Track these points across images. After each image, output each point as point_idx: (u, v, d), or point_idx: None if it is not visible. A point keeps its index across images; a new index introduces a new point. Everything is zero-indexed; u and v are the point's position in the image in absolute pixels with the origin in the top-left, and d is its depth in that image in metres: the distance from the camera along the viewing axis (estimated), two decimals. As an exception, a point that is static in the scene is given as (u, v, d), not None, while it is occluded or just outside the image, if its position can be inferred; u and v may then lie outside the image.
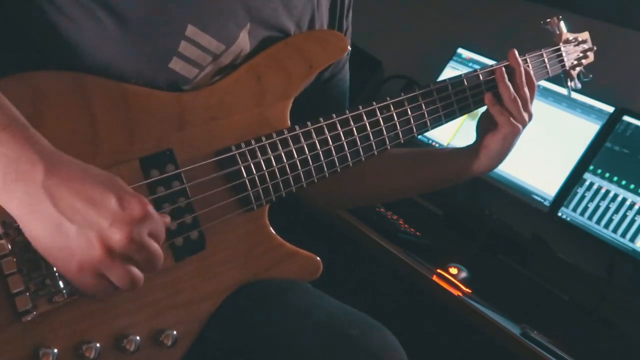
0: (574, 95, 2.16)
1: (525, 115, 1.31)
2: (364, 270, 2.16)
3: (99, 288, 0.81)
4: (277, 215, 1.15)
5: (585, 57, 1.55)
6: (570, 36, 1.52)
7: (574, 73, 1.55)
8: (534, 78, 1.34)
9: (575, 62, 1.53)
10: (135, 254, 0.81)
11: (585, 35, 1.56)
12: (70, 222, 0.77)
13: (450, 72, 2.54)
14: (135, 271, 0.82)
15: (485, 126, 1.34)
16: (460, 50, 2.58)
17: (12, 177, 0.76)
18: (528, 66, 1.38)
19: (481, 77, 1.32)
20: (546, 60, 1.43)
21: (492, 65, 1.34)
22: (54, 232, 0.78)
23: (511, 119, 1.29)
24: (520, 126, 1.31)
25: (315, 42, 1.16)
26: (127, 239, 0.79)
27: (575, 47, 1.52)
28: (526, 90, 1.31)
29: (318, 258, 1.16)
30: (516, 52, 1.34)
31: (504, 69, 1.32)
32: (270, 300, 1.10)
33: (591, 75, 1.58)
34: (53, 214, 0.77)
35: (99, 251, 0.78)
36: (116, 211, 0.78)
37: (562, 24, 1.50)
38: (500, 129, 1.30)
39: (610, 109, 2.14)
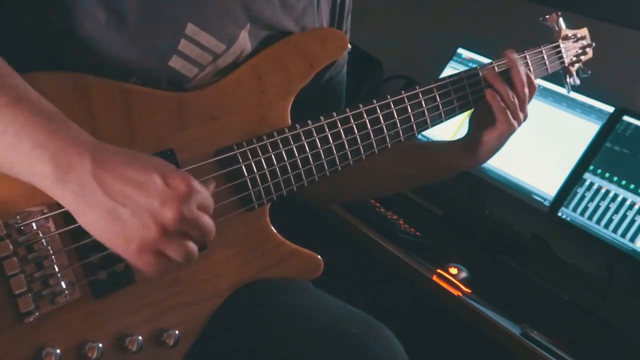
0: (574, 95, 2.16)
1: (521, 115, 1.32)
2: (364, 270, 2.17)
3: (160, 266, 0.83)
4: (278, 214, 1.15)
5: (584, 53, 1.55)
6: (569, 32, 1.51)
7: (573, 69, 1.54)
8: (534, 80, 1.34)
9: (575, 59, 1.53)
10: (189, 228, 0.83)
11: (584, 31, 1.56)
12: (123, 207, 0.80)
13: (450, 72, 2.54)
14: (191, 245, 0.85)
15: (480, 122, 1.34)
16: (460, 50, 2.58)
17: (64, 170, 0.79)
18: (527, 64, 1.38)
19: (481, 75, 1.32)
20: (545, 57, 1.43)
21: (491, 63, 1.34)
22: (109, 219, 0.80)
23: (510, 117, 1.29)
24: (516, 125, 1.31)
25: (315, 40, 1.16)
26: (179, 215, 0.81)
27: (574, 44, 1.52)
28: (526, 90, 1.31)
29: (319, 257, 1.16)
30: (512, 52, 1.33)
31: (496, 68, 1.32)
32: (271, 299, 1.10)
33: (590, 72, 1.58)
34: (106, 201, 0.80)
35: (155, 231, 0.81)
36: (164, 190, 0.81)
37: (560, 20, 1.50)
38: (497, 126, 1.30)
39: (610, 109, 2.15)
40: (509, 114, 1.29)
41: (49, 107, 0.82)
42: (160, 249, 0.82)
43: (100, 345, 0.92)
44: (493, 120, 1.30)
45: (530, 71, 1.36)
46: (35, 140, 0.79)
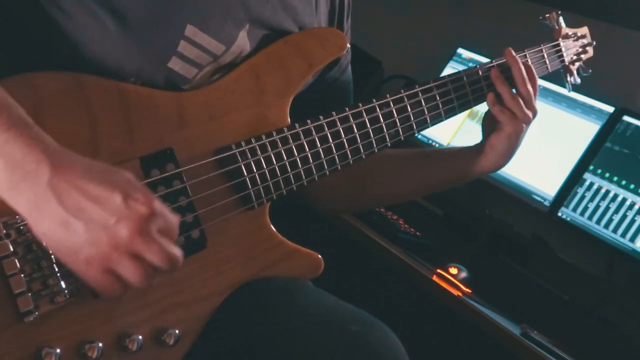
0: (574, 95, 2.16)
1: (529, 113, 1.30)
2: (364, 270, 2.17)
3: (109, 284, 0.82)
4: (278, 213, 1.15)
5: (585, 52, 1.54)
6: (570, 31, 1.51)
7: (574, 68, 1.54)
8: (535, 75, 1.34)
9: (575, 57, 1.53)
10: (145, 249, 0.81)
11: (584, 30, 1.55)
12: (76, 220, 0.78)
13: (450, 72, 2.53)
14: (146, 268, 0.82)
15: (489, 126, 1.34)
16: (460, 50, 2.58)
17: (19, 177, 0.77)
18: (528, 62, 1.37)
19: (480, 73, 1.32)
20: (545, 55, 1.43)
21: (491, 61, 1.34)
22: (61, 230, 0.78)
23: (512, 117, 1.29)
24: (523, 124, 1.30)
25: (314, 40, 1.16)
26: (133, 235, 0.79)
27: (574, 42, 1.52)
28: (529, 87, 1.30)
29: (319, 256, 1.16)
30: (512, 51, 1.33)
31: (498, 68, 1.32)
32: (271, 298, 1.10)
33: (590, 70, 1.57)
34: (60, 212, 0.78)
35: (105, 247, 0.79)
36: (121, 208, 0.79)
37: (561, 19, 1.50)
38: (503, 128, 1.30)
39: (610, 109, 2.15)
40: (511, 114, 1.28)
41: (9, 114, 0.80)
42: (111, 268, 0.80)
43: (100, 344, 0.92)
44: (499, 123, 1.30)
45: (523, 67, 1.35)
46: None
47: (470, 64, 2.48)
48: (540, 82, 1.44)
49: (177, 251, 0.84)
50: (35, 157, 0.78)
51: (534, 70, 1.33)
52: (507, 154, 1.34)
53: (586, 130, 2.17)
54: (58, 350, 0.89)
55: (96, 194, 0.78)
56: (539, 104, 1.96)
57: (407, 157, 1.37)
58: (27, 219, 0.80)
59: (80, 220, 0.78)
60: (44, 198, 0.77)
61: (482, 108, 1.36)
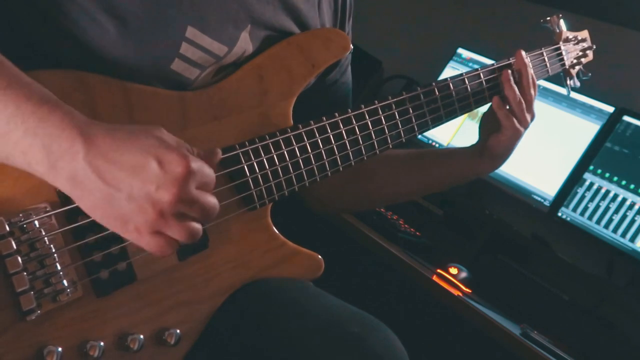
0: (574, 95, 2.17)
1: (528, 117, 1.32)
2: (364, 270, 2.17)
3: (161, 246, 0.83)
4: (280, 214, 1.15)
5: (585, 55, 1.55)
6: (570, 35, 1.52)
7: (574, 72, 1.55)
8: (535, 79, 1.34)
9: (575, 61, 1.53)
10: (188, 209, 0.82)
11: (584, 33, 1.56)
12: (119, 192, 0.79)
13: (450, 72, 2.55)
14: (192, 224, 0.83)
15: (488, 128, 1.34)
16: (460, 50, 2.58)
17: (56, 155, 0.78)
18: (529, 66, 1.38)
19: (482, 76, 1.32)
20: (546, 59, 1.44)
21: (492, 65, 1.34)
22: (105, 204, 0.79)
23: (515, 122, 1.29)
24: (523, 128, 1.31)
25: (318, 40, 1.16)
26: (176, 199, 0.80)
27: (574, 46, 1.52)
28: (532, 92, 1.31)
29: (320, 257, 1.16)
30: (524, 53, 1.33)
31: (509, 72, 1.32)
32: (272, 298, 1.10)
33: (590, 74, 1.58)
34: (101, 187, 0.79)
35: (151, 214, 0.80)
36: (159, 174, 0.79)
37: (562, 22, 1.50)
38: (504, 132, 1.30)
39: (610, 109, 2.15)
40: (514, 119, 1.29)
41: (41, 92, 0.80)
42: (160, 230, 0.82)
43: (102, 343, 0.92)
44: (499, 126, 1.30)
45: (532, 71, 1.36)
46: (25, 127, 0.77)
47: (470, 64, 2.48)
48: (540, 82, 1.44)
49: (214, 201, 0.85)
50: (69, 134, 0.78)
51: (534, 77, 1.34)
52: (504, 157, 1.35)
53: (586, 130, 2.17)
54: (60, 349, 0.89)
55: (132, 165, 0.79)
56: (539, 104, 1.97)
57: (404, 158, 1.37)
58: (71, 196, 0.81)
59: (122, 192, 0.79)
60: (83, 175, 0.78)
61: (483, 109, 1.36)
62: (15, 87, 0.79)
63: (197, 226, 0.84)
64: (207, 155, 0.89)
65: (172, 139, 0.83)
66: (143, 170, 0.79)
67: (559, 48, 1.48)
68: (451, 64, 2.58)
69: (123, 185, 0.79)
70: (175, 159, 0.80)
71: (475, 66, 1.36)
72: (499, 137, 1.31)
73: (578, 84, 1.58)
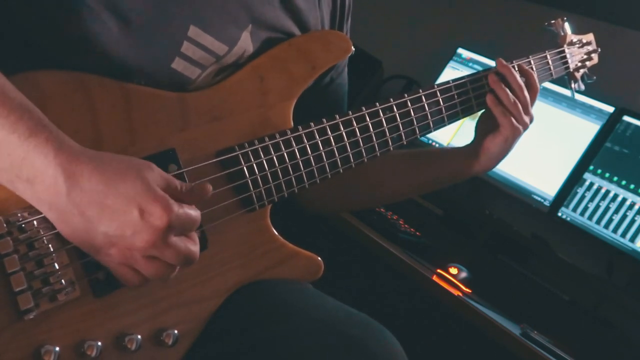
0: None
1: (527, 118, 1.31)
2: (364, 271, 2.17)
3: (128, 277, 0.88)
4: (279, 215, 1.15)
5: (590, 59, 1.55)
6: (575, 38, 1.51)
7: (578, 75, 1.54)
8: (537, 81, 1.34)
9: (580, 64, 1.53)
10: (160, 254, 0.86)
11: (589, 37, 1.56)
12: (97, 227, 0.83)
13: (450, 72, 2.55)
14: (162, 267, 0.87)
15: (485, 127, 1.34)
16: (460, 50, 2.58)
17: (40, 189, 0.81)
18: (532, 68, 1.37)
19: (484, 80, 1.32)
20: (550, 62, 1.43)
21: (492, 68, 1.34)
22: (83, 233, 0.83)
23: (513, 121, 1.29)
24: (521, 128, 1.31)
25: (318, 42, 1.16)
26: (148, 246, 0.84)
27: (579, 49, 1.52)
28: (526, 93, 1.31)
29: (319, 258, 1.16)
30: (502, 60, 1.33)
31: (495, 74, 1.32)
32: (271, 300, 1.10)
33: (595, 77, 1.58)
34: (80, 222, 0.83)
35: (122, 251, 0.84)
36: (137, 223, 0.83)
37: (566, 25, 1.50)
38: (501, 131, 1.30)
39: (610, 109, 2.15)
40: (512, 118, 1.29)
41: (30, 117, 0.81)
42: (130, 265, 0.86)
43: (100, 343, 0.92)
44: (497, 126, 1.30)
45: (534, 72, 1.36)
46: (11, 160, 0.80)
47: (470, 64, 2.48)
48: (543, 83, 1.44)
49: (192, 248, 0.89)
50: (53, 172, 0.81)
51: (534, 76, 1.34)
52: (499, 157, 1.35)
53: (586, 130, 2.17)
54: (57, 349, 0.88)
55: (113, 209, 0.83)
56: (539, 104, 1.97)
57: (400, 158, 1.37)
58: (52, 220, 0.85)
59: (99, 229, 0.83)
60: (65, 210, 0.82)
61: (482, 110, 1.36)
62: (3, 114, 0.80)
63: (167, 269, 0.88)
64: (197, 192, 0.91)
65: (160, 181, 0.86)
66: (123, 216, 0.83)
67: (563, 51, 1.47)
68: (451, 64, 2.58)
69: (100, 224, 0.83)
70: (158, 212, 0.84)
71: (475, 66, 1.36)
72: (495, 136, 1.30)
73: (583, 87, 1.58)
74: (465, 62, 2.54)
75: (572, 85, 1.56)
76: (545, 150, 2.21)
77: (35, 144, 0.80)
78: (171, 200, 0.85)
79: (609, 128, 2.12)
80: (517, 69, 1.34)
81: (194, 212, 0.88)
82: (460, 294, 1.80)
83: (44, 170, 0.80)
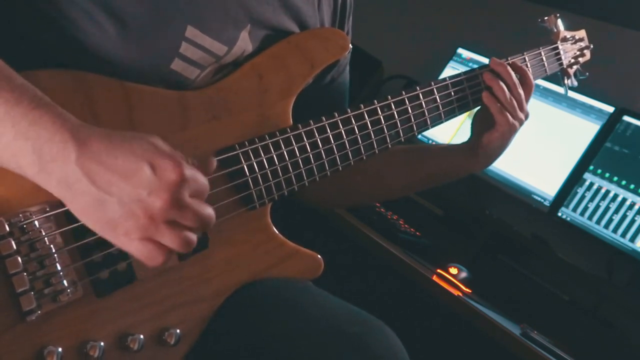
0: (574, 95, 2.17)
1: (522, 115, 1.32)
2: (364, 270, 2.17)
3: (151, 253, 0.81)
4: (279, 214, 1.15)
5: (582, 55, 1.55)
6: (568, 34, 1.52)
7: (571, 71, 1.55)
8: (531, 77, 1.34)
9: (573, 60, 1.54)
10: (181, 216, 0.81)
11: (582, 33, 1.56)
12: (110, 196, 0.78)
13: (450, 72, 2.55)
14: (185, 233, 0.82)
15: (481, 124, 1.34)
16: (460, 50, 2.58)
17: (47, 159, 0.77)
18: (527, 65, 1.38)
19: (480, 77, 1.33)
20: (544, 58, 1.44)
21: (487, 65, 1.35)
22: (96, 207, 0.78)
23: (509, 117, 1.29)
24: (517, 124, 1.31)
25: (317, 40, 1.16)
26: (167, 205, 0.79)
27: (572, 45, 1.53)
28: (520, 90, 1.31)
29: (320, 257, 1.16)
30: (496, 59, 1.34)
31: (490, 72, 1.33)
32: (272, 298, 1.10)
33: (587, 73, 1.58)
34: (92, 190, 0.78)
35: (142, 220, 0.79)
36: (152, 180, 0.78)
37: (559, 22, 1.51)
38: (497, 128, 1.30)
39: (610, 109, 2.15)
40: (508, 114, 1.29)
41: (33, 94, 0.80)
42: (151, 237, 0.80)
43: (102, 344, 0.92)
44: (493, 123, 1.31)
45: (528, 69, 1.36)
46: (16, 130, 0.77)
47: (470, 64, 2.49)
48: (540, 82, 1.45)
49: (209, 211, 0.84)
50: (61, 137, 0.77)
51: (529, 74, 1.34)
52: (496, 154, 1.35)
53: (586, 130, 2.17)
54: (60, 349, 0.89)
55: (125, 169, 0.78)
56: (539, 104, 1.96)
57: (397, 154, 1.37)
58: (62, 199, 0.80)
59: (113, 196, 0.78)
60: (74, 178, 0.77)
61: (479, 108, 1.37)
62: (7, 89, 0.78)
63: (191, 235, 0.83)
64: (202, 164, 0.88)
65: (166, 147, 0.82)
66: (135, 174, 0.78)
67: (557, 47, 1.48)
68: (451, 64, 2.58)
69: (114, 189, 0.78)
70: (169, 165, 0.79)
71: (475, 66, 1.36)
72: (492, 133, 1.31)
73: (576, 83, 1.58)
74: (465, 62, 2.54)
75: (566, 81, 1.57)
76: (545, 150, 2.21)
77: (41, 113, 0.78)
78: (180, 155, 0.82)
79: (609, 128, 2.12)
80: (511, 66, 1.34)
81: (202, 177, 0.85)
82: (460, 294, 1.80)
83: (52, 136, 0.77)
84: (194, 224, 0.82)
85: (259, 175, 1.06)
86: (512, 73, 1.32)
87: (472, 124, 1.37)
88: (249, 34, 1.09)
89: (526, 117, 1.33)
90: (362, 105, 1.18)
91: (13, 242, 0.84)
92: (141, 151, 0.80)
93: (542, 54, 1.44)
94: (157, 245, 0.81)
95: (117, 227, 0.79)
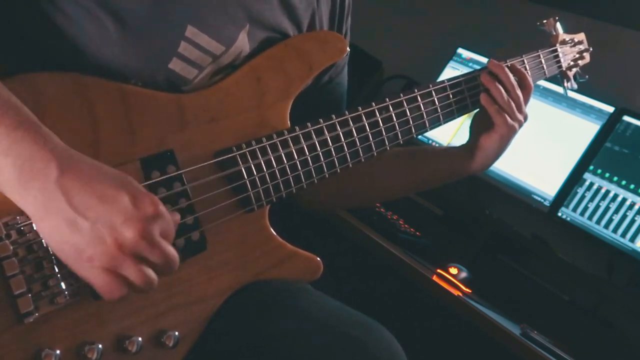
0: (574, 95, 2.17)
1: (520, 117, 1.32)
2: (364, 271, 2.17)
3: (111, 285, 0.81)
4: (277, 215, 1.15)
5: (582, 58, 1.55)
6: (567, 37, 1.52)
7: (571, 74, 1.55)
8: (530, 79, 1.34)
9: (572, 63, 1.54)
10: (148, 252, 0.81)
11: (581, 36, 1.56)
12: (83, 218, 0.78)
13: (450, 72, 2.55)
14: (148, 270, 0.82)
15: (480, 126, 1.34)
16: (460, 50, 2.58)
17: (27, 176, 0.78)
18: (525, 67, 1.38)
19: (479, 79, 1.33)
20: (543, 61, 1.44)
21: (484, 68, 1.35)
22: (66, 228, 0.78)
23: (507, 119, 1.29)
24: (516, 126, 1.31)
25: (315, 43, 1.16)
26: (139, 236, 0.79)
27: (571, 48, 1.53)
28: (518, 92, 1.31)
29: (318, 259, 1.16)
30: (494, 60, 1.34)
31: (488, 73, 1.32)
32: (270, 300, 1.10)
33: (587, 76, 1.58)
34: (67, 210, 0.78)
35: (110, 247, 0.79)
36: (129, 209, 0.79)
37: (558, 25, 1.51)
38: (496, 129, 1.30)
39: (610, 109, 2.15)
40: (506, 116, 1.29)
41: (17, 113, 0.80)
42: (115, 268, 0.80)
43: (100, 346, 0.92)
44: (492, 124, 1.30)
45: (527, 72, 1.36)
46: None
47: (470, 64, 2.48)
48: (540, 82, 1.44)
49: (175, 254, 0.85)
50: (44, 156, 0.78)
51: (527, 76, 1.34)
52: (495, 156, 1.35)
53: (586, 130, 2.17)
54: (58, 352, 0.89)
55: (104, 194, 0.79)
56: (539, 104, 1.96)
57: (396, 156, 1.37)
58: (33, 217, 0.80)
59: (87, 219, 0.78)
60: (52, 196, 0.78)
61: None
62: None
63: (153, 274, 0.83)
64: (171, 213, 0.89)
65: (144, 189, 0.84)
66: (114, 201, 0.79)
67: (556, 50, 1.48)
68: (451, 64, 2.58)
69: (89, 212, 0.78)
70: (148, 200, 0.81)
71: (475, 66, 1.37)
72: (490, 135, 1.31)
73: (575, 86, 1.58)
74: (465, 62, 2.54)
75: (565, 84, 1.57)
76: (545, 150, 2.21)
77: (25, 133, 0.78)
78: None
79: (609, 128, 2.12)
80: (510, 68, 1.34)
81: (173, 218, 0.87)
82: (460, 294, 1.80)
83: (34, 154, 0.78)
84: (159, 261, 0.83)
85: (257, 178, 1.06)
86: (510, 75, 1.31)
87: (471, 126, 1.37)
88: (248, 34, 1.09)
89: (525, 119, 1.33)
90: (359, 107, 1.18)
91: (10, 244, 0.84)
92: (123, 182, 0.82)
93: (541, 56, 1.44)
94: (118, 278, 0.81)
95: (83, 251, 0.79)
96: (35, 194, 0.78)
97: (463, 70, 2.49)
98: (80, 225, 0.78)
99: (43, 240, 0.87)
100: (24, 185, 0.78)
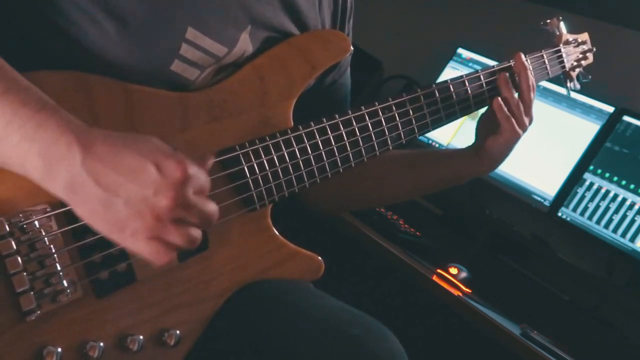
0: (574, 95, 2.16)
1: (527, 120, 1.32)
2: (364, 271, 2.17)
3: (159, 252, 0.81)
4: (279, 215, 1.15)
5: (585, 58, 1.55)
6: (570, 37, 1.52)
7: (574, 74, 1.55)
8: (534, 82, 1.34)
9: (575, 64, 1.54)
10: (186, 214, 0.81)
11: (584, 36, 1.56)
12: (115, 197, 0.78)
13: (450, 72, 2.55)
14: (191, 230, 0.82)
15: (486, 129, 1.34)
16: (460, 50, 2.58)
17: (53, 162, 0.78)
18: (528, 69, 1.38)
19: (482, 78, 1.32)
20: (546, 61, 1.44)
21: (493, 67, 1.34)
22: (102, 209, 0.78)
23: (514, 123, 1.29)
24: (521, 131, 1.31)
25: (318, 42, 1.16)
26: (173, 204, 0.79)
27: (575, 49, 1.52)
28: (532, 95, 1.31)
29: (320, 258, 1.16)
30: (523, 56, 1.33)
31: (507, 74, 1.32)
32: (272, 299, 1.10)
33: (590, 77, 1.58)
34: (98, 192, 0.78)
35: (149, 219, 0.79)
36: (157, 179, 0.79)
37: (562, 24, 1.50)
38: (503, 134, 1.30)
39: (610, 109, 2.15)
40: (514, 121, 1.29)
41: (39, 97, 0.80)
42: (158, 236, 0.80)
43: (102, 344, 0.92)
44: (498, 128, 1.30)
45: (531, 74, 1.36)
46: (22, 133, 0.77)
47: (470, 64, 2.48)
48: (540, 82, 1.44)
49: (213, 207, 0.85)
50: (66, 139, 0.78)
51: (533, 80, 1.34)
52: (500, 159, 1.35)
53: (586, 130, 2.17)
54: (59, 350, 0.89)
55: (130, 169, 0.79)
56: (539, 104, 1.96)
57: (400, 159, 1.37)
58: (68, 202, 0.80)
59: (119, 197, 0.78)
60: (80, 180, 0.78)
61: (482, 110, 1.36)
62: (13, 92, 0.79)
63: (196, 232, 0.83)
64: (200, 161, 0.88)
65: (167, 147, 0.83)
66: (141, 174, 0.79)
67: (559, 50, 1.48)
68: (451, 64, 2.58)
69: (121, 190, 0.78)
70: (173, 164, 0.80)
71: (475, 66, 1.37)
72: (496, 138, 1.31)
73: (578, 86, 1.58)
74: (465, 62, 2.54)
75: (568, 84, 1.56)
76: (545, 150, 2.21)
77: (47, 116, 0.78)
78: (181, 154, 0.82)
79: (609, 128, 2.12)
80: (513, 66, 1.34)
81: (204, 174, 0.85)
82: (460, 294, 1.80)
83: (57, 138, 0.78)
84: (198, 220, 0.83)
85: (259, 177, 1.06)
86: (531, 76, 1.31)
87: (477, 128, 1.37)
88: (249, 34, 1.09)
89: (530, 122, 1.33)
90: (362, 107, 1.18)
91: (13, 242, 0.85)
92: (145, 151, 0.80)
93: (545, 56, 1.43)
94: (164, 244, 0.81)
95: (125, 228, 0.79)
96: (64, 179, 0.78)
97: (463, 70, 2.49)
98: (114, 204, 0.78)
99: (46, 239, 0.87)
100: (51, 171, 0.78)
